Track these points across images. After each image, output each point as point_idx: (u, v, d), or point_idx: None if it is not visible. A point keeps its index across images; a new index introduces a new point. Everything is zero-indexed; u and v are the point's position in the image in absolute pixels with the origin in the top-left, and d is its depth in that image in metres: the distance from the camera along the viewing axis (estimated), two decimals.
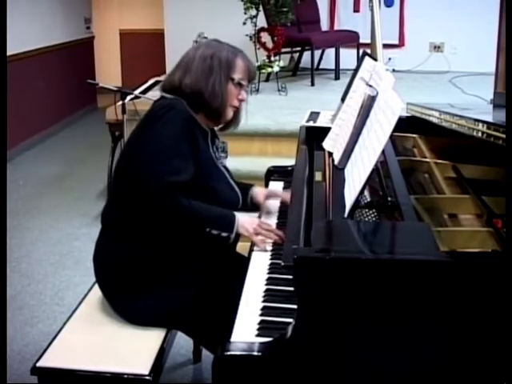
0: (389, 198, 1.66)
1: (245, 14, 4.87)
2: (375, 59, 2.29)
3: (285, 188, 2.32)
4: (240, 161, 3.88)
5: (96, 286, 2.02)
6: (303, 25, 5.90)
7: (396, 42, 6.44)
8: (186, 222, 1.82)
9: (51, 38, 6.46)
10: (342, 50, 5.73)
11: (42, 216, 4.33)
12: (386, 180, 1.76)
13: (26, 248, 3.80)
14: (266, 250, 1.82)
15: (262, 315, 1.48)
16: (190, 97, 1.88)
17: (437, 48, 6.44)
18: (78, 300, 2.08)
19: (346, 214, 1.54)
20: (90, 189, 4.69)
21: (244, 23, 4.87)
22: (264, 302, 1.54)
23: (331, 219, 1.59)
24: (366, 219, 1.63)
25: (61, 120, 6.77)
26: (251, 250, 1.85)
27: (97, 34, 7.85)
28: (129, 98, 4.07)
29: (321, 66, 6.21)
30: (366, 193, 1.71)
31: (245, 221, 1.87)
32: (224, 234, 1.83)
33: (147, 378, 1.70)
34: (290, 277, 1.28)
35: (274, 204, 2.18)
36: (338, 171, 1.80)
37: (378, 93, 1.72)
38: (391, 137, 1.59)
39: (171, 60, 6.36)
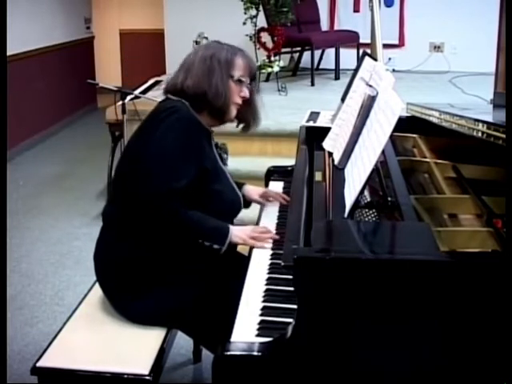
0: (389, 198, 1.66)
1: (245, 13, 4.87)
2: (375, 59, 2.29)
3: (285, 188, 2.32)
4: (240, 161, 3.88)
5: (96, 285, 2.02)
6: (303, 25, 5.90)
7: (396, 42, 6.45)
8: (180, 230, 1.83)
9: (51, 38, 6.46)
10: (342, 50, 5.74)
11: (42, 216, 4.33)
12: (385, 180, 1.76)
13: (25, 248, 3.80)
14: (264, 248, 1.83)
15: (262, 315, 1.48)
16: (193, 98, 1.89)
17: (437, 48, 6.44)
18: (78, 300, 2.08)
19: (346, 214, 1.54)
20: (90, 189, 4.69)
21: (244, 23, 4.88)
22: (264, 302, 1.54)
23: (331, 219, 1.59)
24: (366, 219, 1.63)
25: (61, 120, 6.77)
26: (251, 248, 1.85)
27: (97, 34, 7.85)
28: (129, 98, 4.07)
29: (321, 66, 6.22)
30: (366, 193, 1.71)
31: (238, 231, 1.88)
32: (216, 246, 1.84)
33: (147, 378, 1.70)
34: (290, 277, 1.28)
35: (274, 204, 2.18)
36: (338, 171, 1.80)
37: (377, 93, 1.72)
38: (391, 137, 1.59)
39: (171, 60, 6.37)
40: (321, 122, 2.56)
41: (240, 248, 2.11)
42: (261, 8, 5.00)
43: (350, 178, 1.67)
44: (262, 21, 5.09)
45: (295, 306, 1.29)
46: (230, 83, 1.91)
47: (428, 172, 2.02)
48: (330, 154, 2.01)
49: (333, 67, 5.82)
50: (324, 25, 6.49)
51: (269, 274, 1.68)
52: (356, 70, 2.31)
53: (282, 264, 1.51)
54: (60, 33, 6.69)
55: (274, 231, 1.92)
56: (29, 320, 2.97)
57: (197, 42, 4.44)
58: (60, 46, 6.66)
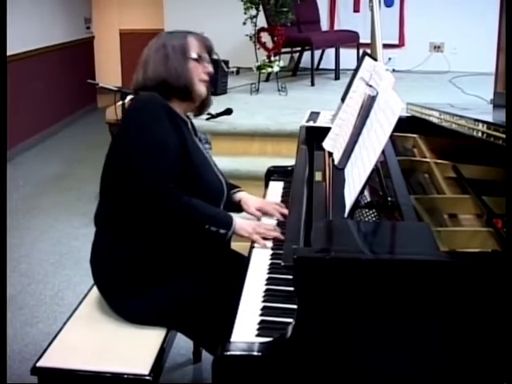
0: (389, 198, 1.66)
1: (245, 13, 4.87)
2: (375, 59, 2.29)
3: (285, 188, 2.32)
4: (240, 161, 3.88)
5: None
6: (303, 25, 5.90)
7: (396, 41, 6.44)
8: (187, 218, 1.83)
9: (51, 38, 6.46)
10: (342, 50, 5.73)
11: (42, 216, 4.33)
12: (385, 180, 1.76)
13: (25, 248, 3.80)
14: (266, 247, 1.83)
15: (262, 315, 1.48)
16: (157, 88, 1.90)
17: (437, 48, 6.44)
18: (78, 300, 2.08)
19: (346, 214, 1.54)
20: (89, 189, 4.67)
21: (244, 23, 4.87)
22: (264, 302, 1.54)
23: (331, 219, 1.59)
24: (366, 219, 1.63)
25: (61, 120, 6.77)
26: (251, 248, 1.85)
27: (97, 34, 7.85)
28: (129, 98, 4.07)
29: (321, 66, 6.21)
30: (366, 193, 1.71)
31: (243, 222, 1.89)
32: (222, 231, 1.85)
33: (147, 378, 1.70)
34: (290, 277, 1.28)
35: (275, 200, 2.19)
36: (338, 171, 1.80)
37: (377, 93, 1.72)
38: (391, 137, 1.59)
39: None
40: (321, 122, 2.56)
41: (240, 248, 2.12)
42: (261, 8, 4.99)
43: (350, 178, 1.67)
44: (262, 21, 5.08)
45: (295, 306, 1.29)
46: (189, 63, 1.93)
47: (428, 172, 2.02)
48: (330, 154, 2.01)
49: (333, 67, 5.81)
50: (324, 25, 6.49)
51: (269, 274, 1.68)
52: (356, 70, 2.31)
53: (282, 264, 1.51)
54: (60, 33, 6.69)
55: None
56: (29, 320, 2.97)
57: None
58: (60, 46, 6.66)
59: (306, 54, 5.87)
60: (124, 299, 1.87)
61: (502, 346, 1.23)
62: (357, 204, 1.57)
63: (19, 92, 5.60)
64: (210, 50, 2.04)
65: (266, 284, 1.63)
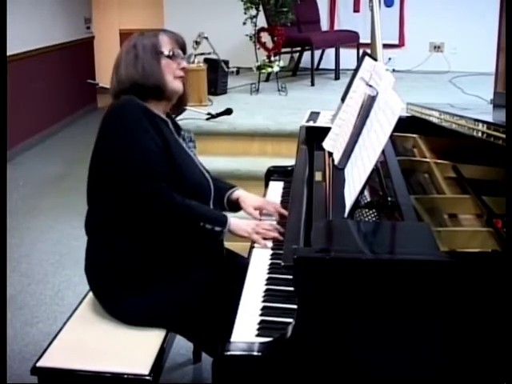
0: (389, 198, 1.66)
1: (245, 13, 4.87)
2: (375, 59, 2.29)
3: (285, 188, 2.32)
4: (240, 161, 3.89)
5: None
6: (303, 25, 5.90)
7: (396, 41, 6.44)
8: (183, 217, 1.84)
9: (51, 38, 6.46)
10: (342, 50, 5.73)
11: (42, 216, 4.33)
12: (385, 180, 1.76)
13: (25, 248, 3.80)
14: (266, 247, 1.83)
15: (262, 315, 1.48)
16: (131, 90, 1.89)
17: (437, 48, 6.44)
18: (77, 300, 2.08)
19: (346, 214, 1.54)
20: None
21: (244, 23, 4.87)
22: (264, 301, 1.54)
23: (331, 219, 1.59)
24: (366, 219, 1.63)
25: (61, 120, 6.77)
26: (251, 248, 1.85)
27: (97, 34, 7.85)
28: None
29: (321, 66, 6.21)
30: (366, 193, 1.71)
31: (242, 223, 1.90)
32: (217, 229, 1.85)
33: (147, 378, 1.70)
34: (290, 277, 1.28)
35: (275, 200, 2.19)
36: (338, 171, 1.80)
37: (378, 93, 1.72)
38: (391, 137, 1.59)
39: None
40: (321, 122, 2.56)
41: (240, 248, 2.12)
42: (261, 8, 4.99)
43: (350, 178, 1.67)
44: (262, 21, 5.08)
45: (295, 306, 1.29)
46: (162, 61, 1.91)
47: (428, 172, 2.02)
48: (330, 154, 2.01)
49: (333, 67, 5.81)
50: (324, 25, 6.48)
51: (269, 274, 1.68)
52: (356, 70, 2.31)
53: (282, 264, 1.51)
54: (60, 33, 6.69)
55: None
56: (29, 320, 2.97)
57: (197, 42, 4.45)
58: (60, 46, 6.66)
59: (306, 54, 5.87)
60: (121, 304, 1.87)
61: (501, 346, 1.23)
62: (357, 204, 1.57)
63: (19, 92, 5.59)
64: (182, 46, 2.00)
65: (266, 284, 1.63)
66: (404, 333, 1.25)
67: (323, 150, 2.12)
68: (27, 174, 5.21)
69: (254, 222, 1.94)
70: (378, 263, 1.24)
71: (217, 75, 4.90)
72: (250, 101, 4.83)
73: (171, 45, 1.94)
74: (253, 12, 4.89)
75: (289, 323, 1.32)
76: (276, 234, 1.86)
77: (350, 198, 1.57)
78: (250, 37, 4.98)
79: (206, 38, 4.46)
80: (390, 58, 6.23)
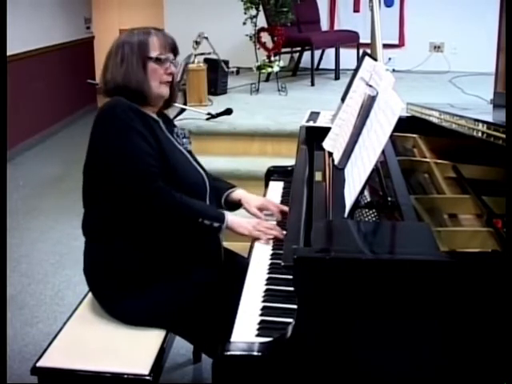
0: (389, 198, 1.66)
1: (245, 13, 4.87)
2: (375, 59, 2.29)
3: (285, 188, 2.32)
4: (240, 161, 3.88)
5: None
6: (303, 25, 5.90)
7: (396, 42, 6.44)
8: (181, 214, 1.85)
9: (51, 38, 6.45)
10: (342, 50, 5.73)
11: (42, 216, 4.33)
12: (385, 180, 1.76)
13: (25, 248, 3.80)
14: (268, 243, 1.83)
15: (262, 315, 1.48)
16: (114, 91, 1.89)
17: (437, 48, 6.44)
18: (77, 300, 2.08)
19: (346, 214, 1.54)
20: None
21: (244, 23, 4.87)
22: (264, 301, 1.54)
23: (331, 219, 1.59)
24: (366, 219, 1.63)
25: (61, 120, 6.77)
26: (251, 248, 1.85)
27: (97, 34, 7.85)
28: None
29: (321, 66, 6.21)
30: (366, 193, 1.71)
31: (242, 220, 1.90)
32: (216, 225, 1.85)
33: (147, 378, 1.70)
34: (290, 277, 1.28)
35: (275, 200, 2.19)
36: (338, 171, 1.80)
37: (377, 93, 1.72)
38: (391, 137, 1.59)
39: None
40: (321, 122, 2.56)
41: (240, 248, 2.12)
42: (261, 8, 4.99)
43: (350, 178, 1.67)
44: (262, 21, 5.08)
45: (295, 306, 1.29)
46: (148, 65, 1.88)
47: (428, 172, 2.02)
48: (330, 154, 2.00)
49: (333, 67, 5.81)
50: (324, 25, 6.48)
51: (269, 274, 1.68)
52: (356, 70, 2.31)
53: (282, 264, 1.51)
54: (60, 33, 6.69)
55: None
56: (29, 320, 2.97)
57: (197, 42, 4.45)
58: (60, 46, 6.66)
59: (306, 54, 5.87)
60: (119, 304, 1.87)
61: (501, 346, 1.23)
62: (357, 204, 1.57)
63: (19, 92, 5.59)
64: (173, 49, 1.95)
65: (266, 284, 1.63)
66: (404, 333, 1.25)
67: (323, 149, 2.12)
68: (27, 174, 5.21)
69: (254, 220, 1.94)
70: (378, 263, 1.24)
71: (217, 75, 4.90)
72: (249, 101, 4.83)
73: (160, 49, 1.90)
74: (253, 12, 4.89)
75: (289, 323, 1.32)
76: (276, 233, 1.86)
77: (350, 197, 1.57)
78: (250, 37, 4.97)
79: (206, 38, 4.46)
80: (390, 58, 6.23)
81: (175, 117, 2.11)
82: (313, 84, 5.49)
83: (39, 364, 1.75)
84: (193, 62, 4.38)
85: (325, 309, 1.25)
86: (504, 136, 1.48)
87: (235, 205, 2.12)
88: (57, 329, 1.94)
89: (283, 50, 5.29)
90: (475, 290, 1.23)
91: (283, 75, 5.53)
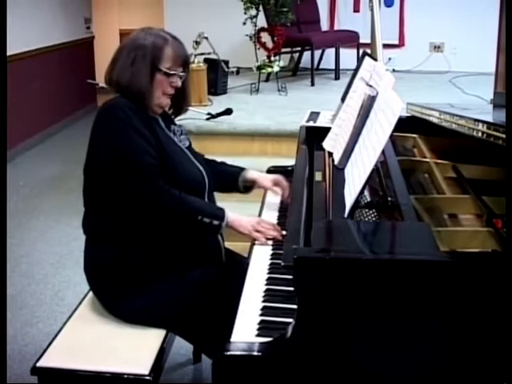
0: (389, 198, 1.66)
1: (245, 13, 4.87)
2: (375, 59, 2.29)
3: None
4: (240, 161, 3.84)
5: None
6: (303, 25, 5.90)
7: (396, 41, 6.44)
8: (181, 213, 1.85)
9: (51, 38, 6.45)
10: (342, 50, 5.73)
11: (42, 216, 4.33)
12: (385, 180, 1.76)
13: (25, 248, 3.80)
14: (267, 244, 1.83)
15: (262, 315, 1.48)
16: (117, 89, 1.89)
17: (437, 48, 6.44)
18: (78, 300, 2.08)
19: (346, 214, 1.54)
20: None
21: (244, 23, 4.87)
22: (264, 301, 1.54)
23: (331, 219, 1.59)
24: (366, 219, 1.63)
25: (61, 120, 6.77)
26: (252, 248, 1.85)
27: (97, 34, 7.85)
28: None
29: (321, 66, 6.21)
30: (366, 193, 1.71)
31: (242, 219, 1.90)
32: (215, 222, 1.86)
33: (147, 378, 1.70)
34: (290, 277, 1.28)
35: (275, 201, 2.19)
36: (338, 171, 1.80)
37: (377, 93, 1.72)
38: (391, 137, 1.59)
39: None
40: (321, 122, 2.56)
41: (240, 248, 2.12)
42: (261, 8, 4.99)
43: (350, 178, 1.67)
44: (262, 21, 5.08)
45: (295, 306, 1.29)
46: (156, 76, 1.87)
47: (428, 172, 2.02)
48: (330, 154, 2.01)
49: (333, 67, 5.81)
50: (324, 25, 6.48)
51: (269, 274, 1.68)
52: (356, 70, 2.31)
53: (282, 264, 1.51)
54: (60, 33, 6.69)
55: None
56: (29, 320, 2.97)
57: (197, 42, 4.45)
58: (60, 46, 6.66)
59: (306, 54, 5.88)
60: (120, 303, 1.88)
61: (501, 346, 1.23)
62: (357, 204, 1.57)
63: (19, 92, 5.59)
64: (185, 62, 1.94)
65: (266, 284, 1.63)
66: (404, 333, 1.25)
67: (323, 149, 2.12)
68: (27, 174, 5.20)
69: (254, 219, 1.94)
70: (378, 263, 1.24)
71: (217, 75, 4.90)
72: (249, 101, 4.83)
73: (172, 62, 1.88)
74: (253, 12, 4.89)
75: (289, 323, 1.32)
76: (276, 233, 1.86)
77: (350, 197, 1.57)
78: (250, 37, 4.97)
79: (206, 38, 4.46)
80: (390, 58, 6.23)
81: (174, 117, 2.10)
82: (313, 84, 5.49)
83: (39, 364, 1.75)
84: (193, 62, 4.38)
85: (325, 309, 1.25)
86: (504, 136, 1.48)
87: (250, 186, 2.16)
88: (57, 329, 1.94)
89: (283, 49, 5.30)
90: (475, 290, 1.23)
91: (283, 75, 5.53)
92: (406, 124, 2.20)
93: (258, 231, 1.87)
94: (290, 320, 1.31)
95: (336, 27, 6.53)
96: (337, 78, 5.73)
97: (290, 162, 2.38)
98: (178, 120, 2.12)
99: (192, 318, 1.86)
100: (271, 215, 2.09)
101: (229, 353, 1.30)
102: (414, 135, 2.29)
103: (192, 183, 1.94)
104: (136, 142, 1.81)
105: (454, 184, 1.93)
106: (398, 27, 6.46)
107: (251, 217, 1.96)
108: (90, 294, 2.05)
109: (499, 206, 1.67)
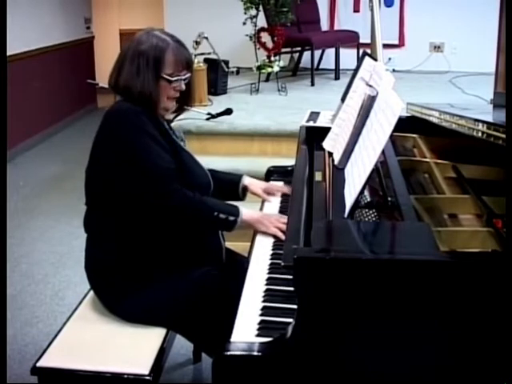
0: (389, 198, 1.66)
1: (245, 13, 4.87)
2: (375, 59, 2.29)
3: None
4: (240, 161, 3.88)
5: None
6: (303, 25, 5.90)
7: (396, 42, 6.44)
8: (198, 212, 1.87)
9: (51, 38, 6.45)
10: (342, 50, 5.73)
11: (42, 216, 4.33)
12: (386, 180, 1.76)
13: (25, 248, 3.80)
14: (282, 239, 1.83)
15: (262, 315, 1.48)
16: (125, 96, 1.89)
17: (437, 48, 6.44)
18: (78, 300, 2.08)
19: (346, 214, 1.54)
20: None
21: (244, 23, 4.87)
22: (264, 301, 1.54)
23: (331, 219, 1.59)
24: (366, 219, 1.63)
25: (61, 120, 6.77)
26: (251, 248, 1.85)
27: (97, 34, 7.85)
28: None
29: (321, 66, 6.21)
30: (366, 193, 1.71)
31: (261, 216, 1.92)
32: (231, 218, 1.88)
33: (147, 378, 1.70)
34: (290, 277, 1.28)
35: (275, 200, 2.20)
36: (338, 171, 1.80)
37: (377, 93, 1.72)
38: (391, 137, 1.59)
39: None
40: (321, 122, 2.56)
41: (240, 248, 2.12)
42: (261, 8, 4.99)
43: (350, 178, 1.67)
44: (262, 21, 5.08)
45: (295, 306, 1.29)
46: (160, 82, 1.88)
47: (428, 172, 2.02)
48: (330, 154, 2.01)
49: (333, 67, 5.81)
50: (324, 25, 6.48)
51: (269, 274, 1.68)
52: (356, 70, 2.31)
53: (282, 264, 1.51)
54: (60, 33, 6.69)
55: None
56: (29, 320, 2.97)
57: (197, 42, 4.45)
58: (60, 46, 6.66)
59: (306, 54, 5.88)
60: (120, 302, 1.88)
61: (501, 346, 1.23)
62: (357, 204, 1.57)
63: (19, 92, 5.59)
64: (188, 65, 1.93)
65: (266, 284, 1.63)
66: (404, 333, 1.25)
67: (323, 149, 2.12)
68: (27, 174, 5.21)
69: (273, 214, 1.97)
70: (378, 263, 1.24)
71: (217, 75, 4.90)
72: (249, 101, 4.83)
73: (174, 67, 1.88)
74: (253, 12, 4.89)
75: (289, 323, 1.32)
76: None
77: (350, 197, 1.57)
78: (250, 37, 4.98)
79: (206, 38, 4.46)
80: (390, 58, 6.23)
81: (175, 117, 2.10)
82: (313, 84, 5.49)
83: (39, 364, 1.75)
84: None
85: (325, 309, 1.25)
86: (504, 136, 1.48)
87: (243, 193, 2.20)
88: (57, 329, 1.94)
89: (283, 50, 5.29)
90: (475, 290, 1.23)
91: (283, 75, 5.53)
92: (406, 124, 2.20)
93: (276, 227, 1.87)
94: (290, 320, 1.31)
95: (336, 27, 6.53)
96: (337, 78, 5.73)
97: (290, 162, 2.38)
98: (178, 120, 2.12)
99: (192, 317, 1.86)
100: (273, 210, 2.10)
101: (229, 353, 1.30)
102: (414, 135, 2.29)
103: (202, 186, 1.97)
104: (152, 147, 1.82)
105: (454, 184, 1.93)
106: (398, 27, 6.47)
107: (261, 212, 1.99)
108: (90, 293, 2.05)
109: (499, 206, 1.67)
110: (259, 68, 4.91)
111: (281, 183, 2.39)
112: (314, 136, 2.30)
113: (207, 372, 2.51)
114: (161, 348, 1.80)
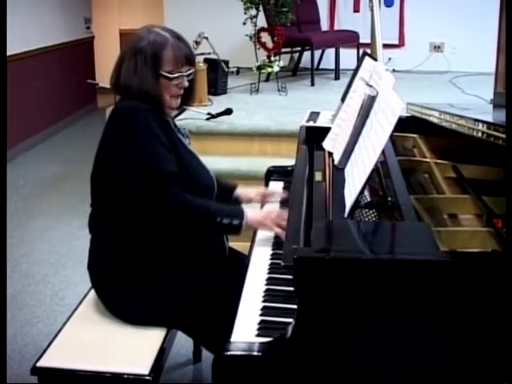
0: (389, 198, 1.66)
1: (245, 14, 4.87)
2: (375, 59, 2.29)
3: (285, 188, 2.32)
4: (240, 161, 3.88)
5: None
6: (303, 25, 5.90)
7: (396, 42, 6.44)
8: (200, 217, 1.85)
9: (51, 38, 6.45)
10: (342, 50, 5.73)
11: (42, 216, 4.33)
12: (386, 180, 1.76)
13: (25, 248, 3.80)
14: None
15: (262, 315, 1.48)
16: (128, 95, 1.86)
17: (437, 48, 6.44)
18: (78, 300, 2.08)
19: (346, 214, 1.54)
20: (89, 189, 4.68)
21: (244, 23, 4.87)
22: (264, 301, 1.54)
23: (331, 219, 1.59)
24: (366, 219, 1.63)
25: (61, 120, 6.77)
26: (252, 247, 1.85)
27: (97, 34, 7.85)
28: None
29: (321, 66, 6.21)
30: (366, 193, 1.71)
31: (261, 216, 1.90)
32: (235, 222, 1.84)
33: (147, 378, 1.70)
34: (290, 277, 1.28)
35: (274, 205, 2.19)
36: (338, 171, 1.80)
37: (377, 93, 1.72)
38: (391, 137, 1.59)
39: None
40: (321, 122, 2.56)
41: (240, 248, 2.12)
42: (261, 8, 4.99)
43: (350, 178, 1.67)
44: (262, 21, 5.08)
45: (295, 306, 1.29)
46: (160, 80, 1.85)
47: (428, 172, 2.02)
48: (330, 154, 2.01)
49: (333, 67, 5.81)
50: (324, 25, 6.48)
51: (269, 274, 1.68)
52: (356, 70, 2.31)
53: (282, 264, 1.51)
54: (60, 33, 6.69)
55: None
56: (29, 320, 2.97)
57: (197, 42, 4.44)
58: (60, 46, 6.66)
59: (306, 54, 5.87)
60: (122, 301, 1.88)
61: (501, 346, 1.23)
62: (357, 204, 1.57)
63: (19, 92, 5.59)
64: (188, 60, 1.89)
65: (266, 284, 1.63)
66: (404, 333, 1.25)
67: (323, 149, 2.12)
68: (27, 174, 5.21)
69: (273, 212, 1.94)
70: (378, 263, 1.24)
71: (217, 75, 4.90)
72: (249, 101, 4.83)
73: (173, 64, 1.85)
74: (253, 12, 4.89)
75: (289, 323, 1.32)
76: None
77: (350, 197, 1.57)
78: (250, 37, 4.98)
79: (206, 37, 4.46)
80: (390, 58, 6.23)
81: (175, 116, 2.09)
82: (313, 84, 5.49)
83: (39, 364, 1.75)
84: None
85: (325, 309, 1.25)
86: (504, 136, 1.48)
87: (237, 202, 2.15)
88: (57, 329, 1.94)
89: (283, 50, 5.29)
90: (475, 290, 1.23)
91: (283, 75, 5.53)
92: (406, 124, 2.20)
93: (278, 226, 1.86)
94: (290, 320, 1.32)
95: (336, 27, 6.53)
96: (337, 78, 5.73)
97: (290, 161, 2.38)
98: (178, 120, 2.12)
99: (194, 317, 1.86)
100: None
101: (229, 353, 1.30)
102: (414, 135, 2.29)
103: (204, 186, 1.95)
104: (157, 149, 1.80)
105: (454, 184, 1.93)
106: (398, 27, 6.46)
107: (263, 211, 1.98)
108: (90, 293, 2.05)
109: (499, 206, 1.67)
110: (259, 68, 4.91)
111: (281, 183, 2.40)
112: (314, 136, 2.30)
113: (207, 372, 2.51)
114: (161, 348, 1.80)
